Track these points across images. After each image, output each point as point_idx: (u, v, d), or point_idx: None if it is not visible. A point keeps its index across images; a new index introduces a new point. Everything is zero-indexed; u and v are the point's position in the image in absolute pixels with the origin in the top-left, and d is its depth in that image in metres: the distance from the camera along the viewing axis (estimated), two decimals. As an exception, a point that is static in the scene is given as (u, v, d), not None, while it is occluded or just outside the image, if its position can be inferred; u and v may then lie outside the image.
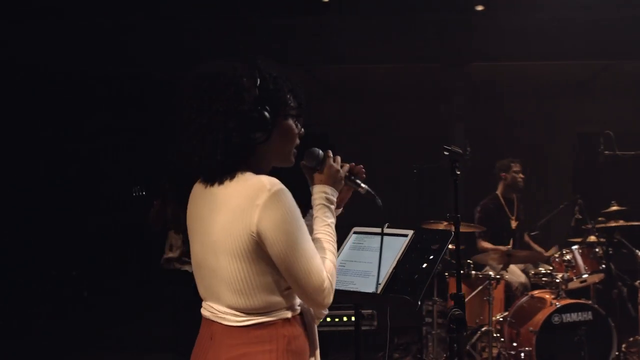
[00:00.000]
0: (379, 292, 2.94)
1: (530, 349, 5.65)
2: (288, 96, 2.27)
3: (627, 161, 6.12)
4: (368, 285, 2.98)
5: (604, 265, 6.02)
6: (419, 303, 2.92)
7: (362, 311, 6.59)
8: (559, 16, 7.47)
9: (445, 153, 3.16)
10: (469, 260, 6.22)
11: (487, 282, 5.98)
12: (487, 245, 6.56)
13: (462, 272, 6.01)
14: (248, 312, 2.15)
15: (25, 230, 8.70)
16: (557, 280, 5.91)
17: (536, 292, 6.05)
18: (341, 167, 2.43)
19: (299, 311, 2.24)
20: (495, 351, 6.07)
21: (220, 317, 2.18)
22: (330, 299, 2.20)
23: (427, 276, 2.99)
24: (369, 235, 3.24)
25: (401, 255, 3.08)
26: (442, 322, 6.27)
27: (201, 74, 2.23)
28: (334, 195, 2.38)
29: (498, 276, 6.17)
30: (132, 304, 8.02)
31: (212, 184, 2.18)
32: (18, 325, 7.91)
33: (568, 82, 9.22)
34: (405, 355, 6.17)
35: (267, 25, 7.86)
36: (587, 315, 5.69)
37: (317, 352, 2.31)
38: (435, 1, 7.53)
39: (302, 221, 2.16)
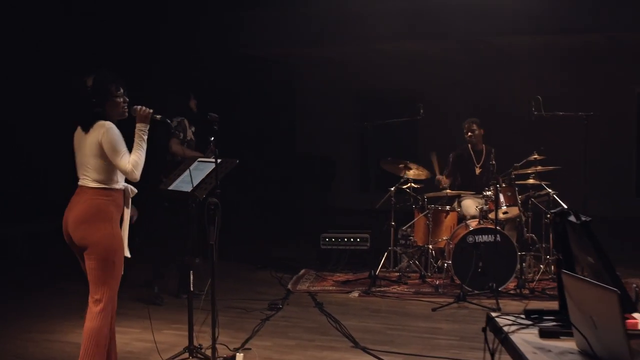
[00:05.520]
0: (189, 190, 5.40)
1: (450, 262, 7.57)
2: (112, 87, 4.78)
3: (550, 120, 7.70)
4: (188, 188, 5.45)
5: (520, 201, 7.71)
6: (204, 196, 5.30)
7: (359, 235, 8.87)
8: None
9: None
10: (425, 195, 8.19)
11: (428, 212, 7.96)
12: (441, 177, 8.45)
13: (419, 204, 8.11)
14: (101, 182, 4.64)
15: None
16: (479, 211, 7.72)
17: (470, 221, 7.86)
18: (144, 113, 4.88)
19: (117, 188, 4.68)
20: (440, 263, 8.08)
21: (89, 183, 4.68)
22: (135, 175, 4.58)
23: (210, 184, 5.37)
24: (203, 163, 5.69)
25: (207, 174, 5.49)
26: (403, 243, 8.37)
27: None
28: (143, 130, 4.81)
29: (448, 208, 8.12)
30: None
31: (83, 129, 4.72)
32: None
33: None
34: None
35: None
36: (495, 237, 7.41)
37: (124, 210, 4.78)
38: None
39: (121, 139, 4.57)
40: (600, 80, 12.64)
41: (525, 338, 2.77)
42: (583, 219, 2.70)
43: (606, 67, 12.57)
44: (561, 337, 2.76)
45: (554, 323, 2.88)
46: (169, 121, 5.07)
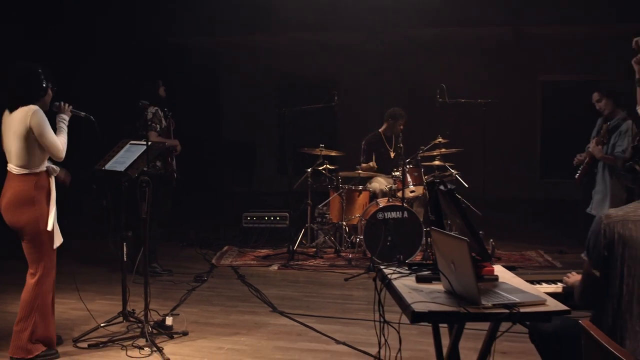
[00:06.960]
0: (123, 170, 5.91)
1: (362, 236, 8.25)
2: (47, 82, 5.25)
3: (453, 106, 8.46)
4: (122, 167, 5.96)
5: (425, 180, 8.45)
6: (136, 175, 5.82)
7: (279, 213, 9.49)
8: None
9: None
10: (339, 175, 8.85)
11: (342, 191, 8.63)
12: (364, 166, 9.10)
13: (334, 184, 8.74)
14: (22, 167, 5.12)
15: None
16: (388, 189, 8.44)
17: (380, 199, 8.55)
18: (66, 108, 5.40)
19: (38, 171, 5.12)
20: (353, 239, 8.76)
21: (13, 169, 5.17)
22: (62, 154, 5.10)
23: (140, 164, 5.89)
24: (136, 145, 6.20)
25: (139, 155, 6.01)
26: (319, 221, 9.03)
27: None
28: (66, 118, 5.33)
29: (361, 187, 8.80)
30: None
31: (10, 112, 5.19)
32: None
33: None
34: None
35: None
36: (403, 214, 8.12)
37: (51, 191, 5.25)
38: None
39: (47, 122, 5.04)
40: (508, 69, 13.63)
41: (405, 283, 3.45)
42: (449, 187, 3.39)
43: (513, 57, 13.58)
44: (433, 282, 3.44)
45: (429, 272, 3.56)
46: (92, 119, 5.51)
